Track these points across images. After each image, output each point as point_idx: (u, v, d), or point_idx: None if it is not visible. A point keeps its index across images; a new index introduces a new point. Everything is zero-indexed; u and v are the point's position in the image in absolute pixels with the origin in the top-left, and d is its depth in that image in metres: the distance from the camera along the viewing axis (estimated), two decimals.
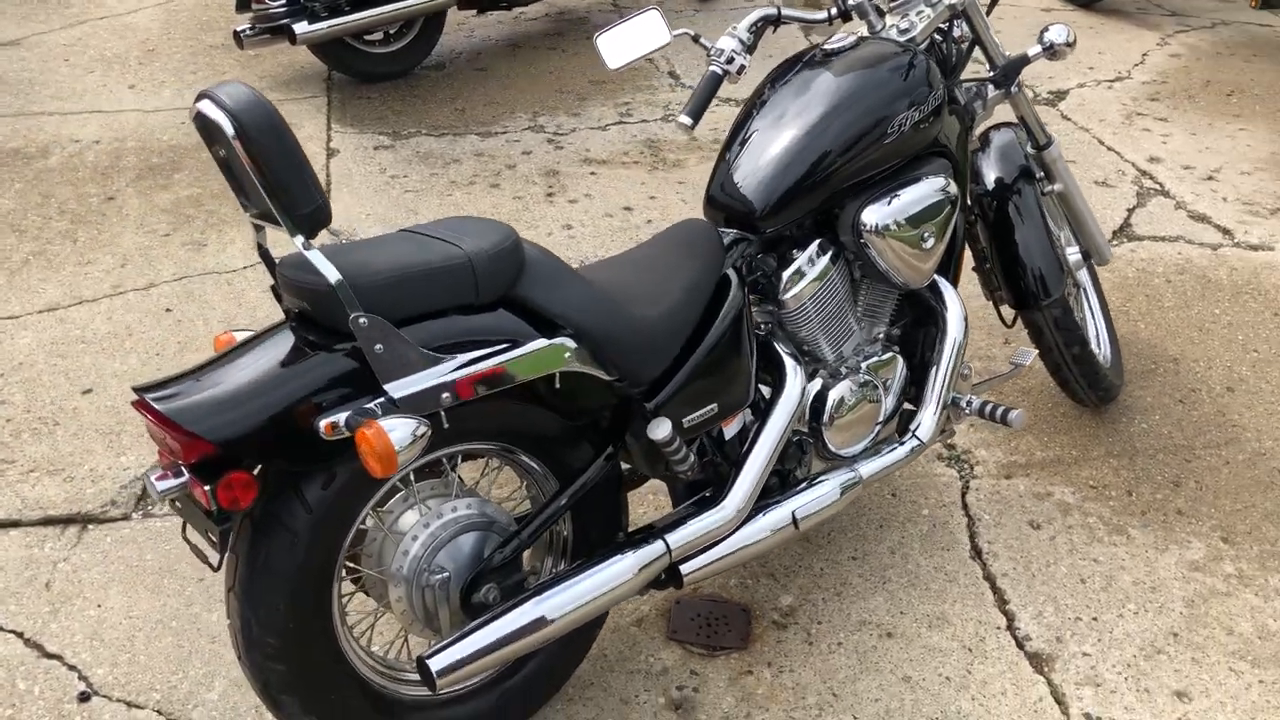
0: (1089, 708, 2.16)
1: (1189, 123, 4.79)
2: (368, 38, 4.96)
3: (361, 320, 1.63)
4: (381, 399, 1.66)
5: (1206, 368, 3.16)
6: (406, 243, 1.80)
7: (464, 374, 1.72)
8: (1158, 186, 4.22)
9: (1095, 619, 2.35)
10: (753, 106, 2.31)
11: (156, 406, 1.61)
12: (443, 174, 4.27)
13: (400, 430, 1.58)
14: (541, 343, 1.79)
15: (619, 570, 1.92)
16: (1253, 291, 3.53)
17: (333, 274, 1.61)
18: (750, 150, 2.21)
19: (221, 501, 1.60)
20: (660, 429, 1.92)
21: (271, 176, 1.57)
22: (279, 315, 1.97)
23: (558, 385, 1.85)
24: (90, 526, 2.59)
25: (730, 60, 2.29)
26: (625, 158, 4.43)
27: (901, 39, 2.33)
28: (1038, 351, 2.65)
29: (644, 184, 4.22)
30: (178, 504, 1.72)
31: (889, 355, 2.35)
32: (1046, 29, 2.46)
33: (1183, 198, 4.14)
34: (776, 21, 2.37)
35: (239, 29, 4.71)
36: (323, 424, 1.62)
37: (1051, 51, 2.45)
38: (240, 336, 1.85)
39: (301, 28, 4.53)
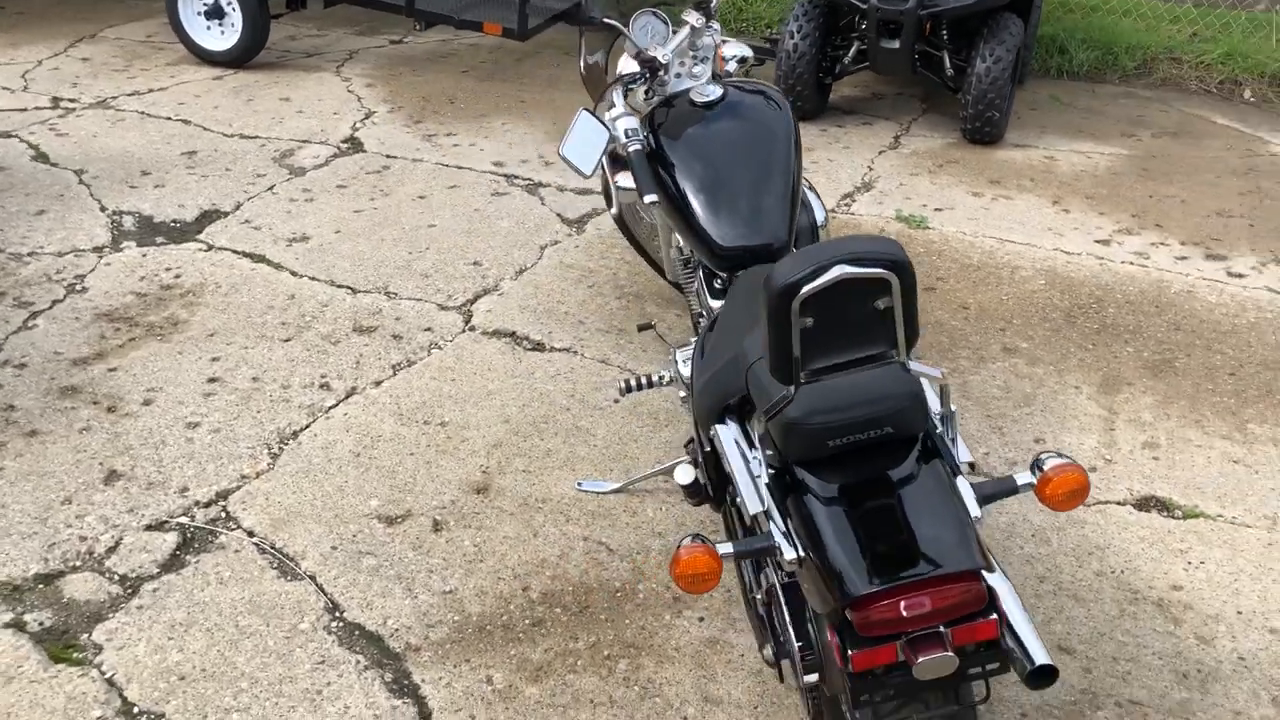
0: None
1: (470, 131, 5.61)
2: None
3: (953, 408, 1.91)
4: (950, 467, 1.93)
5: None
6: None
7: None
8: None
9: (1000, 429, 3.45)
10: (674, 162, 2.70)
11: (934, 573, 1.69)
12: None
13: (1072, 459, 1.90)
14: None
15: None
16: None
17: (936, 371, 1.85)
18: (737, 199, 2.65)
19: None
20: None
21: (912, 314, 1.75)
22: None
23: None
24: None
25: (644, 135, 2.74)
26: (156, 330, 3.82)
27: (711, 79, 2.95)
28: None
29: (214, 336, 3.76)
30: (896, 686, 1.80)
31: None
32: (725, 43, 3.17)
33: None
34: (627, 91, 2.84)
35: None
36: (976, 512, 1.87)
37: (746, 62, 3.20)
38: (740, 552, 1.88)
39: None
